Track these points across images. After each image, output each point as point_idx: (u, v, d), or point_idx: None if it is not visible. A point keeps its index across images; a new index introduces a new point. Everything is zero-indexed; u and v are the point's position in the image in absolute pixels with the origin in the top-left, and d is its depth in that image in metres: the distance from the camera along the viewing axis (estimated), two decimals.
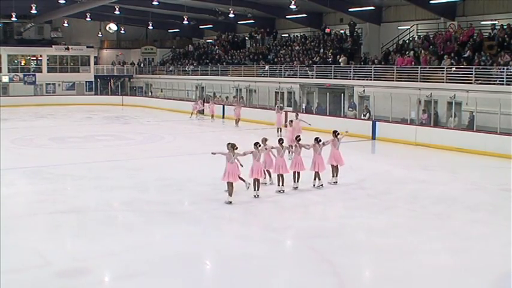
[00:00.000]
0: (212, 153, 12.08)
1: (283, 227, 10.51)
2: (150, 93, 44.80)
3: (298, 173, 13.10)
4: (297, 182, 13.09)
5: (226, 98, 34.75)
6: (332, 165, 13.74)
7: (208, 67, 39.92)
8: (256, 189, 12.20)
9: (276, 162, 12.72)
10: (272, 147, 12.84)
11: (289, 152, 14.66)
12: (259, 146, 12.30)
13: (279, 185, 12.72)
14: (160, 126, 29.04)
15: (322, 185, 13.33)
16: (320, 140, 13.47)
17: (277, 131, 22.70)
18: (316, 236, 9.85)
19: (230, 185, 11.67)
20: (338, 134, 13.96)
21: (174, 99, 39.38)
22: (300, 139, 13.41)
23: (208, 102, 32.97)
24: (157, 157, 18.34)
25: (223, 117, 31.85)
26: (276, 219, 11.03)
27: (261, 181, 12.47)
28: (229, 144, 11.78)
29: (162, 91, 40.87)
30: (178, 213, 11.38)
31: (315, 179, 13.33)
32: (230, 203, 11.60)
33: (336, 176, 13.76)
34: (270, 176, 13.20)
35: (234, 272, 8.14)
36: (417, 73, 23.77)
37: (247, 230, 10.40)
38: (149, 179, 14.70)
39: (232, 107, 30.43)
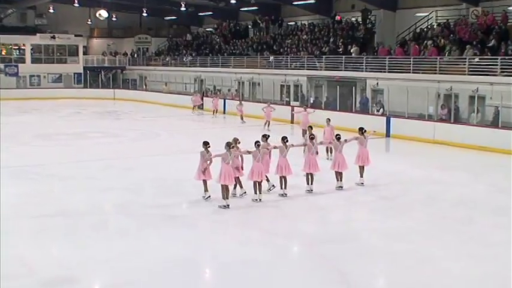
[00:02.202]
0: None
1: (288, 231, 10.55)
2: (144, 86, 44.86)
3: (311, 174, 13.11)
4: (311, 184, 13.09)
5: (229, 90, 34.85)
6: (359, 166, 13.81)
7: (208, 58, 39.93)
8: (258, 192, 12.22)
9: (278, 163, 12.70)
10: (274, 146, 12.83)
11: (329, 152, 15.52)
12: (259, 145, 12.28)
13: (282, 188, 12.71)
14: (156, 122, 29.07)
15: (341, 186, 13.35)
16: (340, 137, 13.51)
17: (302, 134, 20.70)
18: (324, 242, 9.87)
19: (226, 188, 11.69)
20: (365, 131, 13.97)
21: (170, 93, 39.44)
22: (313, 137, 13.42)
23: (207, 96, 33.02)
24: (153, 156, 18.38)
25: (224, 112, 31.88)
26: (279, 224, 11.08)
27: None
28: (227, 143, 11.80)
29: (166, 85, 40.54)
30: (175, 216, 11.42)
31: (337, 180, 13.36)
32: (227, 206, 11.64)
33: (362, 176, 13.82)
34: (268, 181, 12.93)
35: (235, 280, 8.17)
36: (436, 64, 23.73)
37: (249, 235, 10.44)
38: (144, 179, 14.73)
39: (233, 102, 30.45)
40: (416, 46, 25.84)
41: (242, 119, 27.78)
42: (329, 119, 18.22)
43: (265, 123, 24.29)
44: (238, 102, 29.28)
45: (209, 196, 12.09)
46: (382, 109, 24.61)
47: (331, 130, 17.38)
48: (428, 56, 24.83)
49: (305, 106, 24.00)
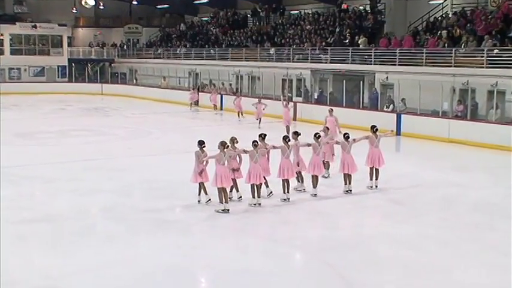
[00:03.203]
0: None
1: (289, 237, 10.55)
2: (134, 81, 44.87)
3: (317, 177, 13.09)
4: (316, 187, 13.06)
5: (223, 84, 34.93)
6: (370, 167, 13.78)
7: (204, 50, 39.92)
8: (257, 196, 12.19)
9: (280, 165, 12.68)
10: (273, 146, 12.80)
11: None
12: (257, 145, 12.24)
13: (284, 192, 12.68)
14: (147, 119, 29.07)
15: (350, 190, 13.33)
16: (349, 137, 13.46)
17: (286, 130, 22.41)
18: (328, 249, 9.88)
19: (223, 190, 11.68)
20: (377, 129, 13.94)
21: (163, 88, 39.42)
22: (319, 136, 13.36)
23: (204, 91, 33.09)
24: (144, 156, 18.38)
25: (221, 108, 31.89)
26: (280, 230, 11.09)
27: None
28: (220, 142, 11.76)
29: (164, 79, 40.46)
30: (168, 221, 11.41)
31: (346, 183, 13.34)
32: (226, 211, 11.62)
33: (376, 179, 13.80)
34: (267, 185, 12.90)
35: None
36: (451, 57, 23.70)
37: (248, 242, 10.44)
38: (134, 181, 14.74)
39: (230, 97, 30.48)
40: (430, 37, 25.83)
41: (241, 115, 27.87)
42: (331, 109, 18.28)
43: (258, 121, 24.84)
44: (235, 96, 29.36)
45: (209, 199, 12.07)
46: (392, 105, 24.60)
47: (335, 121, 17.35)
48: (437, 47, 24.77)
49: (286, 101, 24.04)
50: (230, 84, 34.54)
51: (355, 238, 10.56)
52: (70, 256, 9.38)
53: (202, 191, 12.29)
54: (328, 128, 15.43)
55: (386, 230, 10.87)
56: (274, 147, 12.79)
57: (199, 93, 34.55)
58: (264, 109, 25.19)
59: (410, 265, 9.13)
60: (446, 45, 24.71)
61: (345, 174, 13.35)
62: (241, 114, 27.82)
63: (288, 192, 12.68)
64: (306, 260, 9.71)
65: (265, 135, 12.97)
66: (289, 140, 12.79)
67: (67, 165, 16.81)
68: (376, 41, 29.30)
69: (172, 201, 12.80)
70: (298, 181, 13.39)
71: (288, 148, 12.69)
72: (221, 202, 11.70)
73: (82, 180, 14.84)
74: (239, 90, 32.60)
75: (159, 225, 11.07)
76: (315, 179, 13.08)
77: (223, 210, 11.65)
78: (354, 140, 13.61)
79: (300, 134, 13.28)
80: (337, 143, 13.76)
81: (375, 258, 9.45)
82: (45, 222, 11.23)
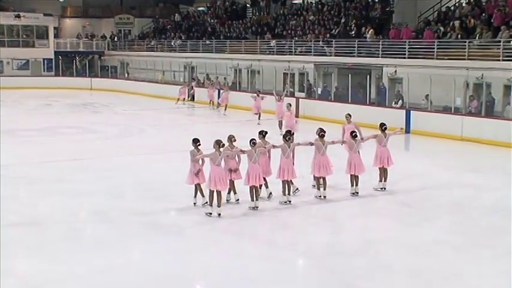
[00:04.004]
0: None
1: (291, 242, 10.54)
2: (126, 75, 44.88)
3: (324, 178, 13.04)
4: (323, 189, 13.00)
5: (217, 78, 35.06)
6: (379, 168, 13.74)
7: (200, 42, 39.90)
8: (255, 199, 12.15)
9: (280, 165, 12.62)
10: (273, 146, 12.76)
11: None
12: (255, 143, 12.17)
13: (284, 194, 12.64)
14: (140, 116, 29.06)
15: (357, 192, 13.29)
16: (356, 135, 13.40)
17: (279, 125, 22.64)
18: (333, 254, 9.88)
19: (218, 193, 11.65)
20: (386, 128, 13.88)
21: (156, 83, 39.42)
22: (323, 134, 13.23)
23: (203, 86, 33.26)
24: (136, 155, 18.37)
25: (219, 104, 31.83)
26: (281, 234, 11.08)
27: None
28: (216, 141, 11.72)
29: (164, 74, 40.34)
30: (162, 225, 11.39)
31: (352, 185, 13.29)
32: (218, 215, 11.60)
33: (385, 180, 13.74)
34: (266, 186, 12.86)
35: None
36: (465, 49, 23.67)
37: (247, 247, 10.44)
38: (125, 182, 14.74)
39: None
40: (442, 28, 25.81)
41: (225, 109, 28.96)
42: (349, 115, 15.98)
43: (258, 116, 25.18)
44: (225, 89, 30.06)
45: (206, 202, 12.05)
46: (401, 101, 24.58)
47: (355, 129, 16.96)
48: (449, 39, 24.76)
49: (278, 95, 24.11)
50: (225, 79, 34.51)
51: (361, 243, 10.54)
52: (57, 263, 9.35)
53: (198, 192, 12.26)
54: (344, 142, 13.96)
55: (395, 235, 10.86)
56: (274, 146, 12.75)
57: (195, 88, 34.57)
58: (261, 101, 25.43)
59: (421, 272, 9.10)
60: (459, 36, 24.70)
61: (351, 175, 13.31)
62: (221, 107, 29.03)
63: (288, 194, 12.64)
64: (309, 267, 9.68)
65: (266, 132, 12.91)
66: (289, 139, 12.71)
67: (54, 165, 16.79)
68: (384, 33, 29.29)
69: (166, 203, 12.78)
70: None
71: (289, 147, 12.63)
72: (211, 205, 11.68)
73: (70, 181, 14.81)
74: (227, 84, 32.87)
75: (152, 230, 11.05)
76: (320, 181, 13.00)
77: (211, 213, 11.62)
78: (362, 139, 13.57)
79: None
80: (343, 142, 13.68)
81: (383, 265, 9.43)
82: (30, 226, 11.21)
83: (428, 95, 23.46)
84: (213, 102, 31.44)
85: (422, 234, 10.93)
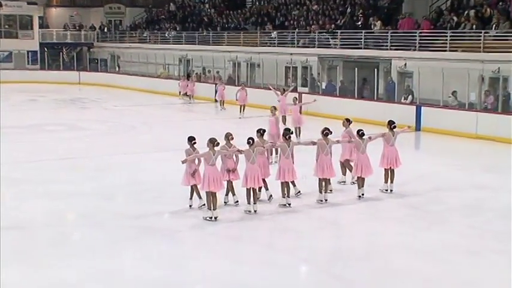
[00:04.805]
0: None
1: (292, 247, 10.55)
2: (116, 68, 44.85)
3: (326, 180, 13.03)
4: (325, 192, 12.99)
5: (209, 72, 35.36)
6: (385, 169, 13.72)
7: (196, 34, 39.87)
8: (252, 202, 12.15)
9: (280, 165, 12.63)
10: (273, 144, 12.74)
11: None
12: (253, 143, 12.16)
13: (284, 197, 12.64)
14: (131, 112, 29.09)
15: (363, 194, 13.26)
16: (364, 134, 13.40)
17: (282, 120, 22.79)
18: (337, 260, 9.91)
19: (213, 195, 11.65)
20: (395, 126, 13.84)
21: (149, 77, 39.39)
22: (327, 133, 13.20)
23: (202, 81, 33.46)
24: (128, 154, 18.41)
25: (216, 101, 31.82)
26: (281, 239, 11.10)
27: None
28: (209, 140, 11.70)
29: (165, 68, 40.24)
30: (155, 229, 11.40)
31: (359, 187, 13.29)
32: (213, 219, 11.60)
33: (392, 182, 13.72)
34: (266, 188, 12.89)
35: None
36: (480, 40, 23.65)
37: (245, 252, 10.45)
38: (116, 183, 14.77)
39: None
40: (455, 18, 25.79)
41: (222, 104, 29.41)
42: (348, 120, 14.60)
43: (241, 108, 26.40)
44: (219, 83, 30.39)
45: (203, 204, 12.07)
46: (410, 96, 24.58)
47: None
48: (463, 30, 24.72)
49: (280, 91, 24.38)
50: (217, 72, 34.52)
51: (368, 248, 10.56)
52: (43, 269, 9.36)
53: (194, 194, 12.29)
54: (349, 121, 14.46)
55: (404, 240, 10.87)
56: (273, 145, 12.74)
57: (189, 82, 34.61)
58: (246, 94, 26.60)
59: (432, 280, 9.12)
60: (474, 27, 24.64)
61: (358, 177, 13.30)
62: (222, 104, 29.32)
63: (288, 196, 12.63)
64: (312, 274, 9.68)
65: (264, 130, 12.90)
66: (289, 138, 12.68)
67: (40, 164, 16.81)
68: (393, 23, 29.27)
69: (160, 206, 12.79)
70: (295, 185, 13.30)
71: (289, 146, 12.61)
72: (209, 208, 11.68)
73: (57, 181, 14.83)
74: (220, 77, 33.22)
75: (145, 234, 11.06)
76: (324, 182, 13.01)
77: (210, 217, 11.63)
78: (370, 138, 13.52)
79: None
80: (350, 141, 13.65)
81: (391, 272, 9.44)
82: (14, 231, 11.20)
83: (455, 91, 23.15)
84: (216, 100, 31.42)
85: (433, 238, 10.94)
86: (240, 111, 26.55)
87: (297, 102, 21.35)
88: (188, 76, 35.44)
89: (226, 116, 27.44)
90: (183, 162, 11.90)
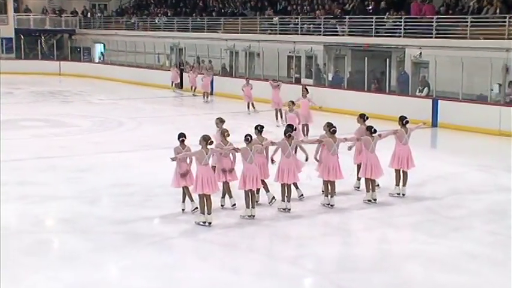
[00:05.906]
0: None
1: (295, 256, 10.54)
2: (101, 58, 44.83)
3: (331, 183, 12.99)
4: (331, 196, 12.95)
5: (203, 62, 35.50)
6: (396, 170, 13.66)
7: (189, 19, 39.88)
8: (250, 206, 12.13)
9: (280, 165, 12.60)
10: (272, 142, 12.74)
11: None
12: (251, 140, 12.12)
13: (283, 200, 12.63)
14: (118, 106, 29.11)
15: (375, 199, 13.19)
16: (375, 131, 13.31)
17: (276, 115, 23.02)
18: (345, 270, 9.89)
19: (206, 198, 11.65)
20: (407, 121, 13.75)
21: (138, 67, 39.41)
22: (334, 130, 13.16)
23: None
24: (113, 152, 18.43)
25: (211, 94, 31.88)
26: (283, 246, 11.08)
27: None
28: (202, 137, 11.69)
29: (167, 58, 40.28)
30: (143, 235, 11.38)
31: (368, 191, 13.24)
32: (208, 224, 11.61)
33: (404, 185, 13.64)
34: (267, 190, 12.90)
35: None
36: (505, 26, 23.56)
37: (243, 261, 10.42)
38: (100, 185, 14.74)
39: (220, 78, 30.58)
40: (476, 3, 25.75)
41: (207, 97, 30.25)
42: (364, 116, 14.30)
43: (247, 106, 26.34)
44: (205, 73, 30.96)
45: (196, 208, 12.06)
46: (426, 89, 24.58)
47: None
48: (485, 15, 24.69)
49: (276, 82, 24.76)
50: (210, 62, 34.52)
51: (379, 257, 10.56)
52: (18, 280, 9.33)
53: (186, 197, 12.27)
54: (365, 117, 14.24)
55: (419, 247, 10.87)
56: (272, 143, 12.74)
57: (183, 74, 34.63)
58: (251, 89, 26.62)
59: None
60: (498, 11, 24.59)
61: (366, 179, 13.25)
62: (207, 96, 30.29)
63: (288, 200, 12.60)
64: (317, 285, 9.69)
65: (262, 127, 12.87)
66: (290, 136, 12.64)
67: (15, 164, 16.77)
68: (406, 8, 29.23)
69: (148, 210, 12.78)
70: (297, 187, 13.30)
71: (290, 145, 12.59)
72: (202, 212, 11.68)
73: (34, 183, 14.83)
74: (212, 68, 33.49)
75: (132, 241, 11.05)
76: (329, 185, 12.98)
77: (203, 223, 11.64)
78: (380, 135, 13.45)
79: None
80: (358, 140, 13.58)
81: (403, 281, 9.45)
82: None
83: (500, 84, 22.64)
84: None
85: (452, 247, 10.92)
86: (248, 108, 26.46)
87: (307, 94, 20.91)
88: (180, 66, 35.46)
89: (222, 111, 27.36)
90: (172, 159, 11.90)
